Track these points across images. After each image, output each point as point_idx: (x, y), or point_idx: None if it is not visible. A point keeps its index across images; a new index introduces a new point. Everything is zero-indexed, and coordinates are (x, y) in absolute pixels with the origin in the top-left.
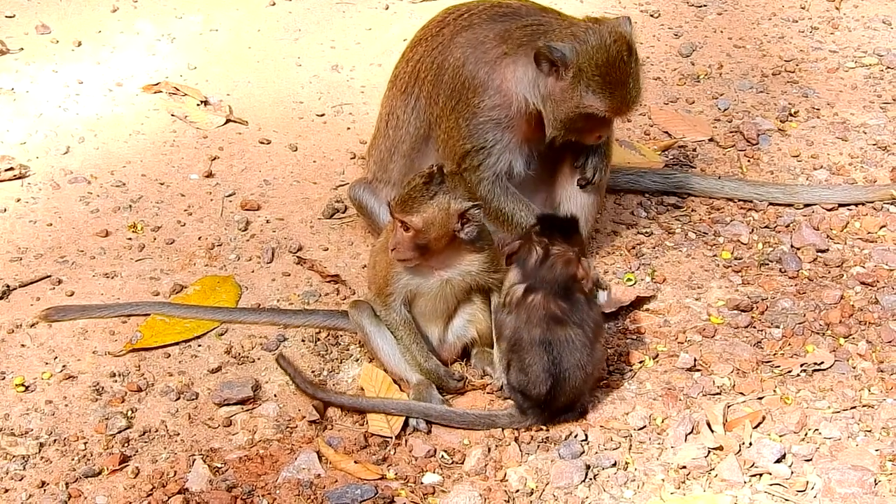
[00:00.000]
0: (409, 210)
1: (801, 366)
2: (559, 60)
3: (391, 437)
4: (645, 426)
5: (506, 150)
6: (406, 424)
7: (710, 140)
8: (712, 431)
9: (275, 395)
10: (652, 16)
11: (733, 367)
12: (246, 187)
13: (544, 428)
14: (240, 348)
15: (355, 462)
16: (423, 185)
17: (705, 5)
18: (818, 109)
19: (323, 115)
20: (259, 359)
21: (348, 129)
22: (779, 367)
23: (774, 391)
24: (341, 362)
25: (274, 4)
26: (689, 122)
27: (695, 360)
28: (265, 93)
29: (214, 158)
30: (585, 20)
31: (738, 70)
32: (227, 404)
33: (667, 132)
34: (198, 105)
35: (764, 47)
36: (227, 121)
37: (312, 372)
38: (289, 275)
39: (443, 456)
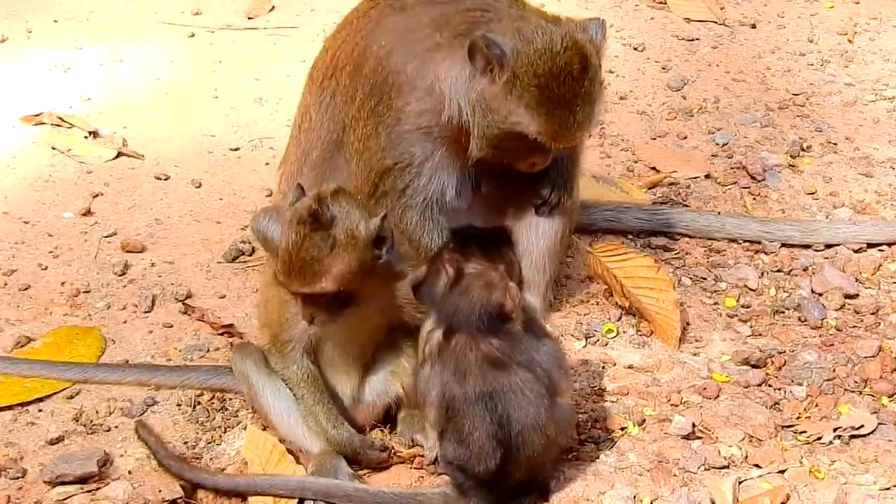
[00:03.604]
0: (312, 277)
1: (835, 430)
2: (495, 58)
3: None
4: None
5: (438, 170)
6: None
7: (707, 177)
8: None
9: (129, 472)
10: (636, 49)
11: (744, 433)
12: (131, 227)
13: None
14: (93, 414)
15: None
16: (311, 232)
17: (697, 39)
18: (835, 144)
19: (238, 149)
20: (117, 427)
21: (267, 164)
22: (804, 432)
23: (801, 462)
24: (225, 431)
25: (193, 36)
26: (681, 157)
27: (693, 425)
28: (170, 125)
29: (97, 195)
30: (545, 17)
31: (739, 104)
32: (63, 483)
33: (654, 168)
34: (85, 138)
35: (767, 81)
36: (119, 154)
37: (186, 444)
38: (171, 326)
39: None
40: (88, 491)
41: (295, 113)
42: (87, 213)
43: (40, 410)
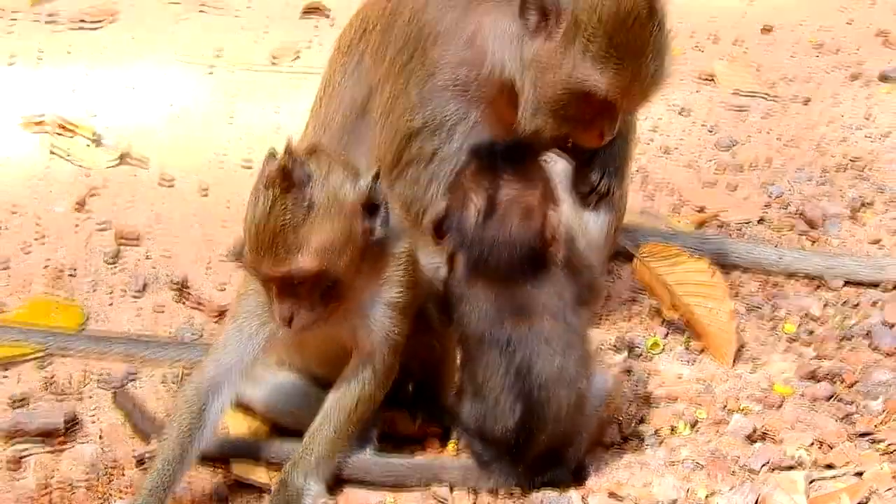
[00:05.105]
0: (286, 253)
1: None
2: (550, 6)
3: (269, 487)
4: (678, 499)
5: (471, 135)
6: None
7: (760, 221)
8: None
9: (99, 436)
10: (681, 113)
11: (814, 438)
12: (127, 222)
13: (518, 492)
14: (65, 382)
15: None
16: (282, 193)
17: (747, 108)
18: None
19: (250, 164)
20: (90, 397)
21: None
22: (884, 441)
23: (881, 467)
24: None
25: (212, 73)
26: (732, 203)
27: (755, 427)
28: (180, 142)
29: (93, 194)
30: None
31: (793, 164)
32: (21, 438)
33: (702, 209)
34: (88, 145)
35: (823, 147)
36: (122, 160)
37: (168, 416)
38: (163, 310)
39: None
40: (50, 450)
41: (317, 87)
42: (81, 206)
43: (6, 376)
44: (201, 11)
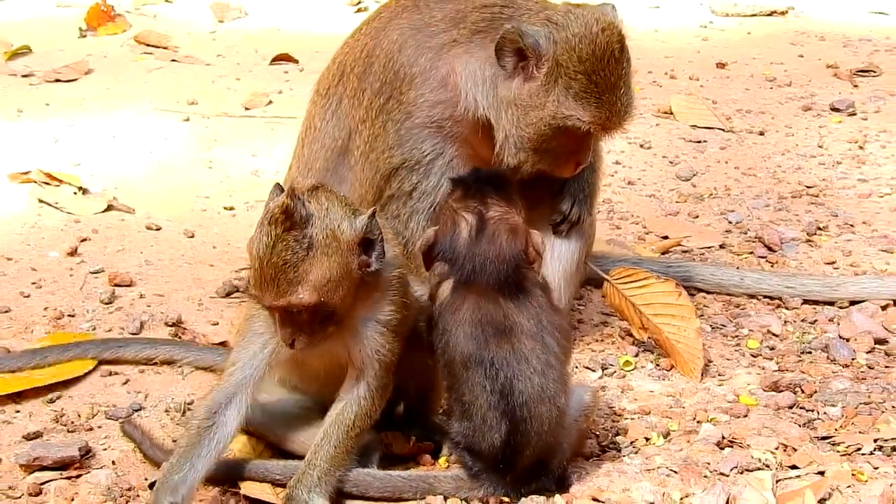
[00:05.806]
0: (286, 287)
1: (876, 441)
2: (530, 50)
3: None
4: (654, 502)
5: (448, 170)
6: None
7: (722, 246)
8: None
9: (112, 462)
10: (642, 146)
11: (778, 442)
12: (119, 266)
13: (507, 501)
14: (74, 416)
15: None
16: (284, 232)
17: (705, 141)
18: (852, 226)
19: (232, 208)
20: (100, 427)
21: None
22: (842, 443)
23: (842, 466)
24: None
25: (188, 120)
26: (694, 230)
27: (723, 435)
28: (163, 187)
29: (84, 240)
30: (563, 4)
31: (750, 192)
32: (40, 468)
33: (665, 237)
34: (74, 194)
35: (779, 176)
36: (110, 207)
37: (174, 442)
38: None
39: None
40: (67, 477)
41: (299, 130)
42: (73, 253)
43: (17, 411)
44: (173, 61)
